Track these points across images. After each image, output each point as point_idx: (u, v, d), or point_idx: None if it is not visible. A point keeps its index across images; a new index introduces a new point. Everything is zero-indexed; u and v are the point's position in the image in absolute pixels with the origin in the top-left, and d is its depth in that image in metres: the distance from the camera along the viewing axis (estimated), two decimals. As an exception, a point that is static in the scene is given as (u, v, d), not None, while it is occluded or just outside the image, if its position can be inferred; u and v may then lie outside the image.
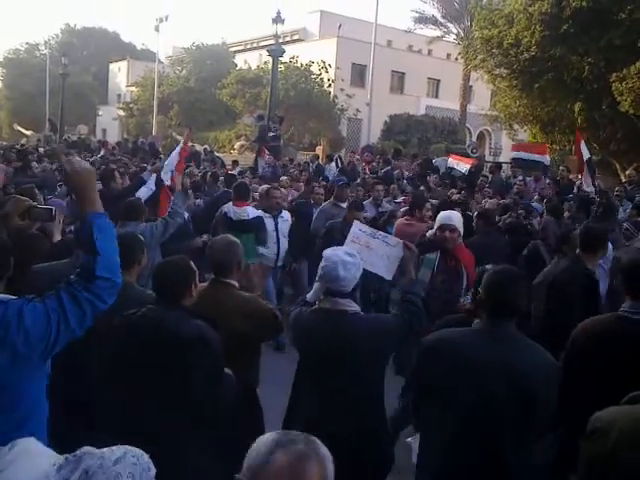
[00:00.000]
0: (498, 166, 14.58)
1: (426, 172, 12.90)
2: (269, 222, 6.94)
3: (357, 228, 3.81)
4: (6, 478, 1.36)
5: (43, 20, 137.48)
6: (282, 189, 8.49)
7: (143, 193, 6.84)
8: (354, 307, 3.04)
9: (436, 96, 37.46)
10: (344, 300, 3.01)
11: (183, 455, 2.72)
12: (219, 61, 38.02)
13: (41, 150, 18.44)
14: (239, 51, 43.10)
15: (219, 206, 7.12)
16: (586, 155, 9.46)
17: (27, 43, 51.40)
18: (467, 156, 14.64)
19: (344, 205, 7.43)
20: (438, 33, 32.70)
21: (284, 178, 11.67)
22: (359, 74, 33.69)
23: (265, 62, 30.70)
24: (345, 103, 31.09)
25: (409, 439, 3.72)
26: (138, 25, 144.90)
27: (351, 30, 33.08)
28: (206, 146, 21.11)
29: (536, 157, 11.82)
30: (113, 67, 50.71)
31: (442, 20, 32.07)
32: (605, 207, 7.32)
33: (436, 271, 4.63)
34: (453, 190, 10.05)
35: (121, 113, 42.31)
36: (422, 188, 10.60)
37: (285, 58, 25.61)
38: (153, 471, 1.42)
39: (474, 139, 33.10)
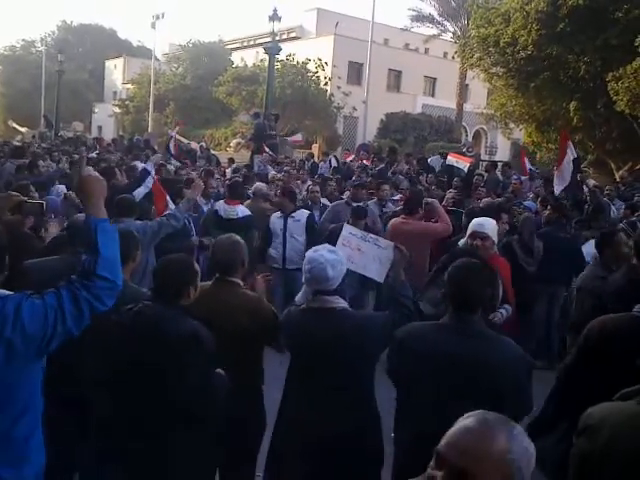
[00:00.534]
0: (493, 165, 14.57)
1: (419, 171, 12.93)
2: (278, 222, 6.86)
3: (347, 231, 3.82)
4: None
5: (39, 17, 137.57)
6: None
7: (139, 193, 6.86)
8: (342, 303, 3.08)
9: (432, 94, 37.51)
10: (332, 297, 3.05)
11: (172, 452, 2.72)
12: (215, 59, 37.97)
13: (36, 146, 18.35)
14: (235, 49, 43.07)
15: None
16: (572, 155, 9.47)
17: (23, 40, 51.36)
18: (464, 155, 14.63)
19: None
20: (435, 31, 32.84)
21: (273, 173, 11.72)
22: (356, 72, 33.65)
23: (261, 60, 30.60)
24: (341, 101, 31.11)
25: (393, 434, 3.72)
26: (134, 22, 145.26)
27: (348, 28, 33.10)
28: (202, 143, 21.06)
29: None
30: (109, 64, 50.59)
31: (439, 18, 32.15)
32: (594, 206, 7.39)
33: None
34: (450, 190, 10.04)
35: (117, 110, 42.22)
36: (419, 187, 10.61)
37: (282, 56, 25.57)
38: None
39: (470, 138, 33.11)
